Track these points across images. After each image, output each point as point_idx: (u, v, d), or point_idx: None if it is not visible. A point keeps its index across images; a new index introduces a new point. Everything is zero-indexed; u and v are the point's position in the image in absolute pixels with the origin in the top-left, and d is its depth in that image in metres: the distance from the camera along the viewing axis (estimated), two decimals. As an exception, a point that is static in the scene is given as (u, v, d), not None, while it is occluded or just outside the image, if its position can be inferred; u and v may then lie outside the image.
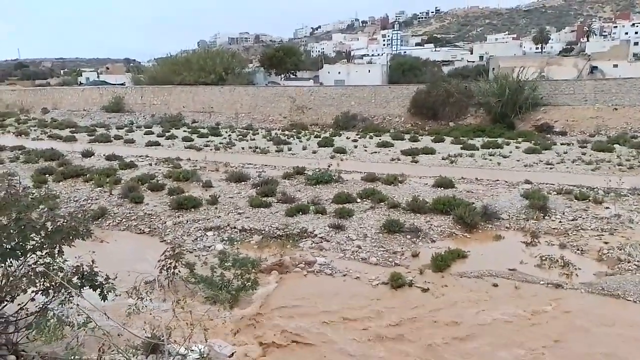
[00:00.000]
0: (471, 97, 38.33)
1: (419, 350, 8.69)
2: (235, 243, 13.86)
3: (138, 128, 42.97)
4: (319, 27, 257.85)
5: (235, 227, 15.08)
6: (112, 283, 6.65)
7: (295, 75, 67.37)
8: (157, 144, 32.69)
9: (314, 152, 28.32)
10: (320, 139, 32.63)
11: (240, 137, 35.76)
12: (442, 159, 25.28)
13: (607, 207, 16.00)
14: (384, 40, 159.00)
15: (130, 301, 6.62)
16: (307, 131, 38.68)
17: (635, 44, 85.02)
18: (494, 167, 23.03)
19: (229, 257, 12.28)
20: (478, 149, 27.26)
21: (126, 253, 13.33)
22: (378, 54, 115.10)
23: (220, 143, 32.30)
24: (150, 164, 25.12)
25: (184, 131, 39.33)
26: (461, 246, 13.29)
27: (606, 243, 13.12)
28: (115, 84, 66.55)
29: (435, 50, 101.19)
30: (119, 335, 6.36)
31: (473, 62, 78.16)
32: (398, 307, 10.23)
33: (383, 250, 13.22)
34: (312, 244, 13.79)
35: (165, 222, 15.81)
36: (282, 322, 9.67)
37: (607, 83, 37.07)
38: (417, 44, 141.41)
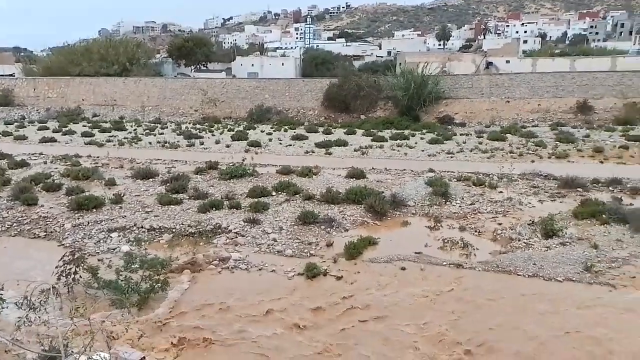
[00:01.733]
0: (380, 91, 39.80)
1: (334, 336, 8.92)
2: (142, 243, 13.20)
3: (31, 123, 39.21)
4: (231, 18, 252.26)
5: (142, 227, 14.36)
6: (-4, 294, 6.03)
7: (207, 67, 65.39)
8: (53, 140, 30.08)
9: (228, 146, 27.77)
10: (234, 133, 32.05)
11: (148, 131, 34.02)
12: (354, 150, 26.02)
13: (501, 192, 17.50)
14: (297, 34, 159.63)
15: (20, 313, 6.05)
16: (220, 125, 37.79)
17: (525, 42, 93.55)
18: (401, 158, 24.16)
19: (136, 258, 11.66)
20: (387, 141, 28.41)
21: (17, 261, 12.14)
22: (291, 47, 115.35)
23: (124, 138, 30.48)
24: (45, 162, 23.08)
25: (84, 126, 36.56)
26: (372, 234, 13.82)
27: (500, 224, 14.36)
28: (2, 75, 59.96)
29: (346, 45, 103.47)
30: (6, 351, 5.78)
31: (382, 57, 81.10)
32: (314, 296, 10.40)
33: (298, 242, 13.34)
34: (226, 239, 13.55)
35: (64, 224, 14.63)
36: (196, 321, 9.41)
37: (501, 78, 40.39)
38: (329, 39, 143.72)
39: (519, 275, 11.16)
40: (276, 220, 14.78)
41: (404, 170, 21.04)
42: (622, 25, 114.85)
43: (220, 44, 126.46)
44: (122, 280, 10.17)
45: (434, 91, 38.12)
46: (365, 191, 16.58)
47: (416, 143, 27.65)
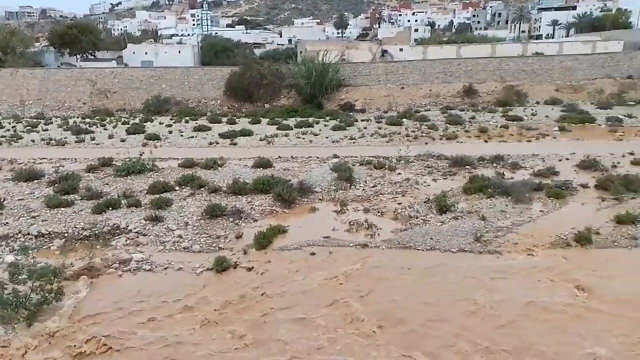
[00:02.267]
0: (283, 79, 39.82)
1: (249, 327, 8.88)
2: (30, 252, 11.98)
3: None
4: (120, 2, 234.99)
5: (29, 234, 13.05)
6: None
7: (95, 56, 60.54)
8: None
9: (123, 141, 26.09)
10: (129, 126, 30.16)
11: (29, 128, 30.80)
12: (260, 140, 25.84)
13: (399, 173, 18.50)
14: (193, 20, 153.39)
15: None
16: (113, 118, 35.34)
17: (416, 30, 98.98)
18: (306, 145, 24.48)
19: (23, 268, 10.56)
20: (292, 129, 28.59)
21: None
22: (188, 34, 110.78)
23: (2, 137, 27.30)
24: None
25: (-50, 125, 32.13)
26: (281, 222, 13.89)
27: (400, 204, 15.21)
28: None
29: (246, 33, 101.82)
30: None
31: (283, 45, 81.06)
32: (225, 290, 10.24)
33: (206, 236, 13.01)
34: (126, 240, 12.80)
35: None
36: (97, 329, 8.82)
37: (395, 65, 42.44)
38: (228, 25, 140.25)
39: (418, 249, 11.94)
40: (181, 216, 14.25)
41: (310, 157, 21.35)
42: (500, 14, 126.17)
43: (110, 31, 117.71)
44: (8, 294, 9.18)
45: (335, 79, 38.99)
46: (273, 180, 16.59)
47: (320, 130, 28.15)
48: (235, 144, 25.09)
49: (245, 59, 49.26)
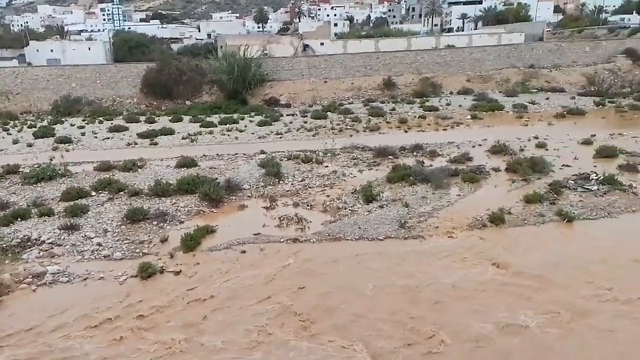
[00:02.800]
0: (204, 75, 38.77)
1: (179, 333, 8.59)
2: None
3: None
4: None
5: None
6: None
7: (-9, 55, 55.09)
8: None
9: (30, 145, 24.09)
10: (36, 129, 27.91)
11: None
12: (183, 138, 25.01)
13: (327, 166, 18.76)
14: (103, 15, 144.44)
15: None
16: (17, 121, 32.46)
17: (335, 24, 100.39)
18: (232, 142, 24.07)
19: None
20: (216, 126, 27.95)
21: None
22: (98, 30, 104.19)
23: None
24: None
25: None
26: (209, 222, 13.55)
27: (328, 196, 15.43)
28: None
29: (162, 27, 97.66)
30: None
31: (202, 39, 78.77)
32: (151, 297, 9.82)
33: (128, 242, 12.39)
34: (39, 252, 11.84)
35: None
36: (8, 352, 8.10)
37: (317, 59, 42.83)
38: (142, 20, 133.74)
39: (347, 240, 12.20)
40: (99, 223, 13.45)
41: (236, 154, 21.02)
42: (414, 9, 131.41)
43: (8, 27, 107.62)
44: None
45: (258, 74, 38.61)
46: (198, 179, 16.13)
47: (246, 126, 27.79)
48: (155, 144, 24.07)
49: (162, 55, 47.30)
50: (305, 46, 52.24)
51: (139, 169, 18.67)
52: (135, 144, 24.19)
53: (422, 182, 15.91)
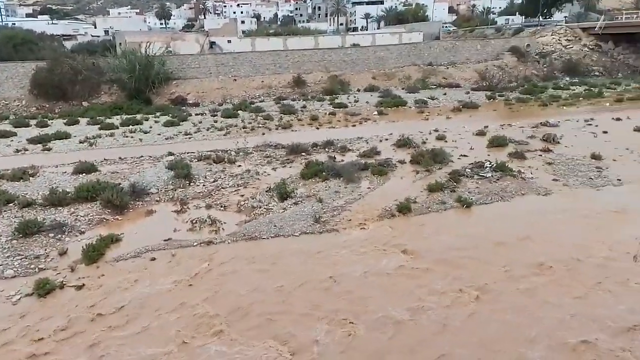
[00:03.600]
0: (102, 74, 36.24)
1: (80, 353, 7.97)
2: None
3: None
4: None
5: None
6: None
7: None
8: None
9: None
10: None
11: None
12: (80, 142, 23.20)
13: (240, 165, 18.47)
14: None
15: None
16: None
17: (242, 22, 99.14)
18: (137, 144, 22.80)
19: None
20: (118, 128, 26.29)
21: None
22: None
23: None
24: None
25: None
26: (114, 230, 12.74)
27: (242, 196, 15.20)
28: None
29: (52, 23, 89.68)
30: None
31: (98, 36, 73.59)
32: (50, 316, 9.01)
33: (21, 258, 11.25)
34: None
35: None
36: None
37: (225, 57, 41.92)
38: (29, 15, 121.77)
39: (264, 239, 12.13)
40: (-15, 239, 12.06)
41: (142, 157, 19.93)
42: (319, 8, 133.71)
43: None
44: None
45: (162, 72, 36.91)
46: (99, 185, 15.06)
47: (151, 127, 26.45)
48: (49, 149, 22.09)
49: (54, 53, 43.35)
50: (212, 43, 50.90)
51: (31, 178, 17.02)
52: (26, 150, 22.02)
53: (334, 177, 16.26)
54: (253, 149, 20.75)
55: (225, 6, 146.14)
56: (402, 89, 38.80)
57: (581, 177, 16.08)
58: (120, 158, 19.73)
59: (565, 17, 68.11)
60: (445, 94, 36.33)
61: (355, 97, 35.74)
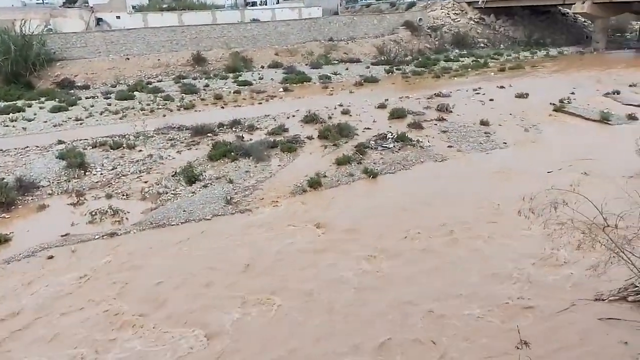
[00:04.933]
0: (-32, 56, 31.80)
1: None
2: None
3: None
4: None
5: None
6: None
7: None
8: None
9: None
10: None
11: None
12: (-52, 135, 20.36)
13: (140, 150, 17.45)
14: None
15: None
16: None
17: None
18: (20, 134, 20.51)
19: None
20: (-5, 116, 23.44)
21: None
22: None
23: None
24: None
25: None
26: (2, 230, 11.52)
27: (146, 182, 14.46)
28: None
29: None
30: None
31: (-41, 12, 64.12)
32: None
33: None
34: None
35: None
36: None
37: (115, 34, 38.81)
38: None
39: (173, 225, 11.71)
40: None
41: (27, 147, 17.99)
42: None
43: None
44: None
45: (43, 53, 33.27)
46: (-23, 182, 13.43)
47: (35, 114, 23.89)
48: None
49: None
50: (99, 20, 46.85)
51: None
52: None
53: (243, 157, 16.04)
54: (154, 132, 19.67)
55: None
56: (306, 64, 38.90)
57: (472, 142, 17.49)
58: (1, 150, 17.67)
59: (452, -8, 72.18)
60: (347, 69, 37.08)
61: (259, 74, 35.18)
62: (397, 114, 21.17)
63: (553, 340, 7.23)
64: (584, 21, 52.56)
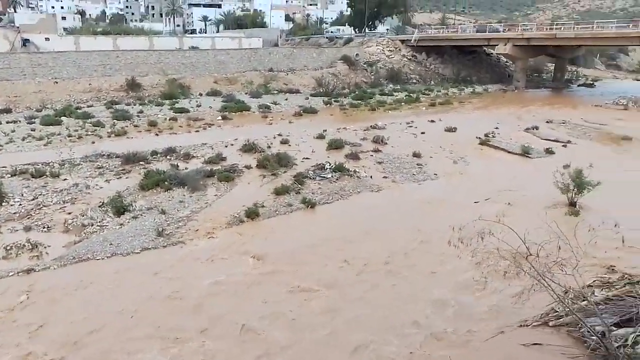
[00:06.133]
0: None
1: None
2: None
3: None
4: None
5: None
6: None
7: None
8: None
9: None
10: None
11: None
12: None
13: (65, 179, 16.44)
14: None
15: None
16: None
17: (63, 18, 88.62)
18: None
19: None
20: None
21: None
22: None
23: None
24: None
25: None
26: None
27: (70, 213, 13.57)
28: None
29: None
30: None
31: None
32: None
33: None
34: None
35: None
36: None
37: (43, 56, 36.95)
38: None
39: (98, 259, 10.99)
40: None
41: None
42: (153, 7, 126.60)
43: None
44: None
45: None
46: None
47: (-55, 139, 21.97)
48: None
49: None
50: (25, 41, 44.53)
51: None
52: None
53: (178, 186, 15.55)
54: (81, 160, 18.69)
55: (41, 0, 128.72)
56: (246, 93, 38.93)
57: (406, 173, 18.12)
58: None
59: (387, 29, 75.95)
60: (286, 99, 37.51)
61: (197, 101, 34.70)
62: (335, 145, 21.56)
63: (483, 368, 7.44)
64: (506, 61, 56.98)
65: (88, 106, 32.55)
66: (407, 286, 9.99)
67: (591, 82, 55.86)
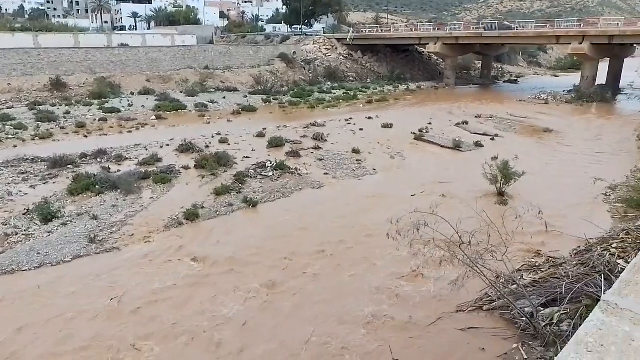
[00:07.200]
0: None
1: None
2: None
3: None
4: None
5: None
6: None
7: None
8: None
9: None
10: None
11: None
12: None
13: (-17, 186, 15.20)
14: None
15: None
16: None
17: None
18: None
19: None
20: None
21: None
22: None
23: None
24: None
25: None
26: None
27: (-11, 223, 12.55)
28: None
29: None
30: None
31: None
32: None
33: None
34: None
35: None
36: None
37: (-49, 54, 33.89)
38: None
39: (24, 271, 10.26)
40: None
41: None
42: (77, 3, 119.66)
43: None
44: None
45: None
46: None
47: None
48: None
49: None
50: None
51: None
52: None
53: (110, 190, 14.84)
54: (2, 165, 17.35)
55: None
56: (181, 92, 37.82)
57: (346, 169, 18.40)
58: None
59: (323, 28, 76.58)
60: (224, 97, 36.84)
61: (129, 100, 33.25)
62: (276, 143, 21.48)
63: (424, 355, 7.73)
64: (437, 60, 59.33)
65: (8, 107, 30.25)
66: (349, 279, 10.16)
67: (515, 79, 59.53)
